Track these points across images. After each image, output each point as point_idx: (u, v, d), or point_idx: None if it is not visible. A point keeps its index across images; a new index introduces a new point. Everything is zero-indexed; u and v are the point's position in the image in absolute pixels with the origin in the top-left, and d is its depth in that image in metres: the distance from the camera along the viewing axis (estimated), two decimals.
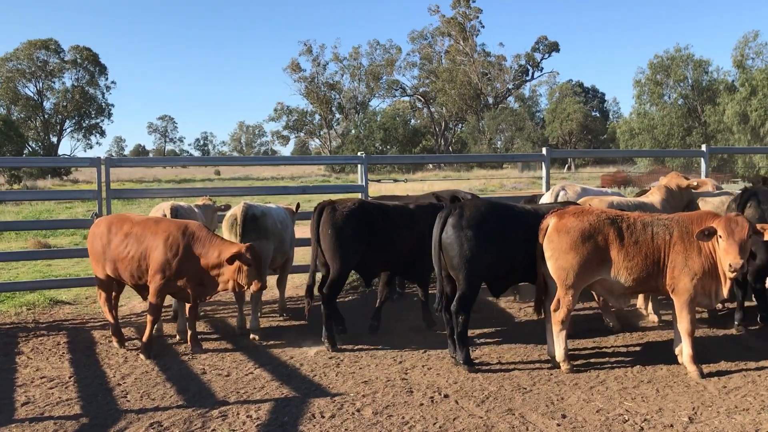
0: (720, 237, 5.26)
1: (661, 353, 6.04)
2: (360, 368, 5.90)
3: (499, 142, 66.12)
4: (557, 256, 5.54)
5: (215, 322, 7.73)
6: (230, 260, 5.89)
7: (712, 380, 5.38)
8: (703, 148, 11.06)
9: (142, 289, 6.47)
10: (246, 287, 6.07)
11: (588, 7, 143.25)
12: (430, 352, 6.31)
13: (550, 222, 5.66)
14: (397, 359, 6.14)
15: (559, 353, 5.70)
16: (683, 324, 5.52)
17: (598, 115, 77.62)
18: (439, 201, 7.70)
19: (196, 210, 7.62)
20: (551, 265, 5.60)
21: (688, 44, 39.20)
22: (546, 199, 8.08)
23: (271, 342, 6.76)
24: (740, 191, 7.38)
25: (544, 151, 10.16)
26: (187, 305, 6.43)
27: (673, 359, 5.78)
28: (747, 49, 35.49)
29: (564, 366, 5.67)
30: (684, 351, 5.60)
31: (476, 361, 5.94)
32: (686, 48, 35.68)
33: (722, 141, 32.66)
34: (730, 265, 5.16)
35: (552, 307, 5.67)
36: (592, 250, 5.48)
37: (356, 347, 6.51)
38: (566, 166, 51.40)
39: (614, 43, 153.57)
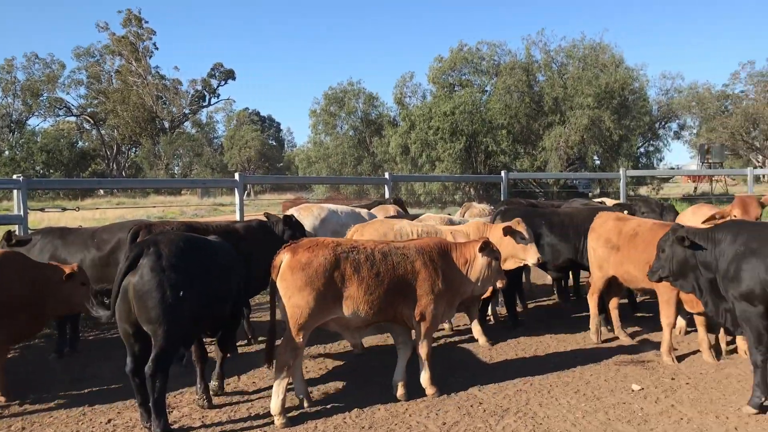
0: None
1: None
2: None
3: (176, 168, 63.36)
4: (290, 294, 5.22)
5: None
6: None
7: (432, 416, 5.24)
8: (386, 175, 12.85)
9: None
10: None
11: (264, 38, 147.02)
12: None
13: (284, 258, 5.29)
14: None
15: (275, 406, 5.20)
16: (425, 349, 5.75)
17: (274, 143, 79.21)
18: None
19: None
20: (286, 303, 5.24)
21: (360, 79, 41.44)
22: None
23: None
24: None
25: (236, 177, 10.09)
26: None
27: None
28: (405, 88, 38.80)
29: (277, 421, 5.18)
30: (423, 375, 5.80)
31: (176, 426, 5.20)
32: (358, 82, 37.61)
33: (388, 170, 34.60)
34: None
35: (280, 350, 5.26)
36: (327, 288, 5.22)
37: None
38: (245, 192, 50.67)
39: (289, 75, 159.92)
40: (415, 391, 5.82)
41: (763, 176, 47.80)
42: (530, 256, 7.06)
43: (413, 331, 5.79)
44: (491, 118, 31.37)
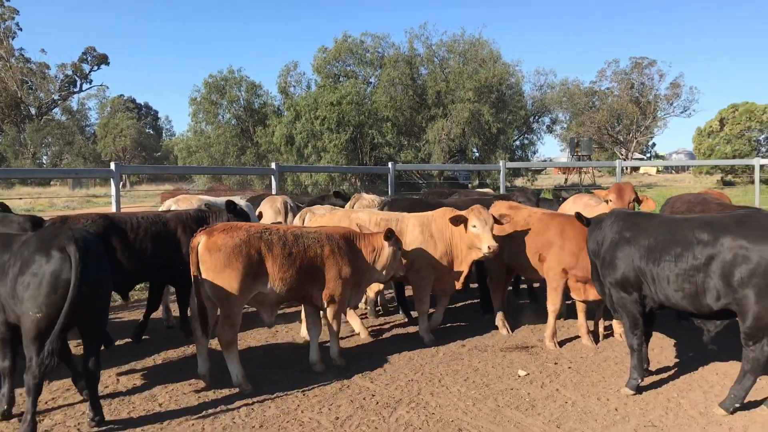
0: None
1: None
2: None
3: (45, 157, 59.36)
4: (212, 275, 5.47)
5: None
6: None
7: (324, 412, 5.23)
8: (273, 165, 12.32)
9: None
10: None
11: (141, 22, 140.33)
12: None
13: (200, 241, 5.53)
14: None
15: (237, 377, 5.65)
16: (333, 327, 6.21)
17: (152, 132, 75.93)
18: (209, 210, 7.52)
19: None
20: (208, 286, 5.51)
21: (241, 66, 40.39)
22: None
23: None
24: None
25: (112, 166, 9.53)
26: None
27: None
28: (289, 77, 38.29)
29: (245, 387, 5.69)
30: (332, 349, 6.31)
31: None
32: (239, 70, 36.64)
33: (273, 160, 34.10)
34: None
35: (220, 330, 5.60)
36: (246, 265, 5.52)
37: None
38: (121, 183, 48.27)
39: (167, 62, 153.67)
40: (307, 385, 5.73)
41: (628, 168, 51.14)
42: (482, 243, 6.72)
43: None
44: (376, 110, 31.58)
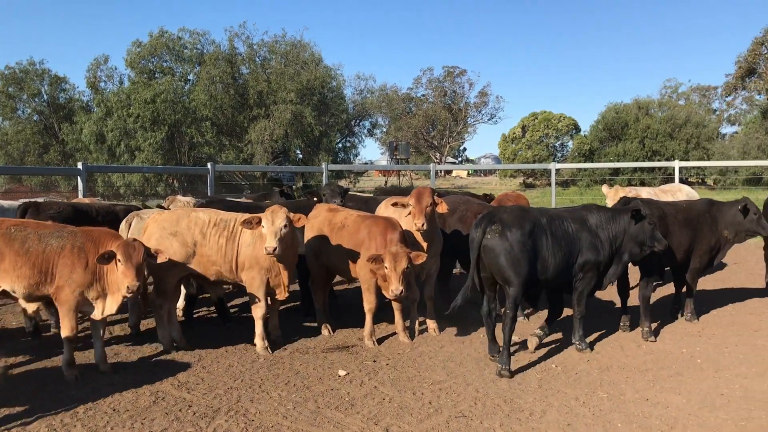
0: (119, 260, 5.74)
1: None
2: None
3: None
4: None
5: None
6: None
7: None
8: (79, 165, 11.43)
9: None
10: None
11: None
12: None
13: None
14: None
15: None
16: (66, 330, 5.88)
17: None
18: None
19: None
20: None
21: (43, 59, 37.15)
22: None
23: None
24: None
25: None
26: None
27: None
28: (99, 71, 35.94)
29: None
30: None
31: None
32: (41, 62, 33.71)
33: (80, 159, 31.91)
34: (128, 287, 5.70)
35: None
36: None
37: None
38: None
39: None
40: (118, 400, 5.40)
41: (442, 171, 53.86)
42: (264, 243, 6.50)
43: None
44: (195, 109, 30.53)
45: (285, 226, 6.52)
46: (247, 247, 6.73)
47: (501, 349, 6.32)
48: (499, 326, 6.73)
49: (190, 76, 35.07)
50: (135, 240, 6.01)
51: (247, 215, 6.80)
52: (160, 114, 28.59)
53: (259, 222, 6.58)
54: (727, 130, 54.91)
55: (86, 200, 8.99)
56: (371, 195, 12.01)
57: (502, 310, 7.10)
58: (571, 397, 5.63)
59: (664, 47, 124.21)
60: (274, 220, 6.50)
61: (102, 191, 28.19)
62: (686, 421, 5.11)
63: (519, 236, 6.21)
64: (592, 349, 7.06)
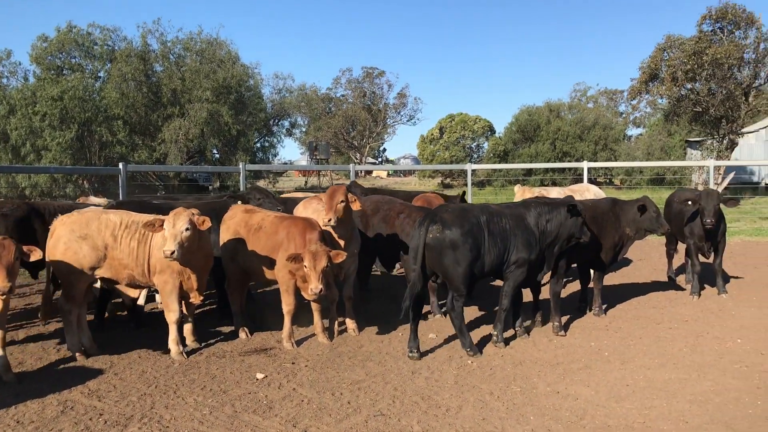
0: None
1: None
2: None
3: None
4: None
5: None
6: None
7: None
8: None
9: None
10: None
11: None
12: None
13: None
14: None
15: None
16: None
17: None
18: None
19: None
20: None
21: None
22: None
23: None
24: None
25: None
26: None
27: None
28: (1, 67, 34.09)
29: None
30: None
31: None
32: None
33: None
34: None
35: None
36: None
37: None
38: None
39: None
40: (22, 411, 5.16)
41: (362, 171, 54.03)
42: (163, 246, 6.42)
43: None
44: (106, 107, 29.40)
45: (187, 228, 6.37)
46: (158, 250, 6.56)
47: (459, 337, 6.97)
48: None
49: (101, 74, 33.72)
50: (5, 238, 5.73)
51: (150, 217, 6.63)
52: (69, 112, 27.37)
53: (162, 224, 6.44)
54: (632, 132, 57.76)
55: (99, 200, 8.57)
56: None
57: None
58: (486, 392, 5.78)
59: (574, 52, 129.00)
60: (175, 222, 6.36)
61: (5, 192, 26.76)
62: (594, 412, 5.33)
63: (459, 235, 6.58)
64: (506, 344, 7.28)
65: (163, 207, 7.83)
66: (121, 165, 14.07)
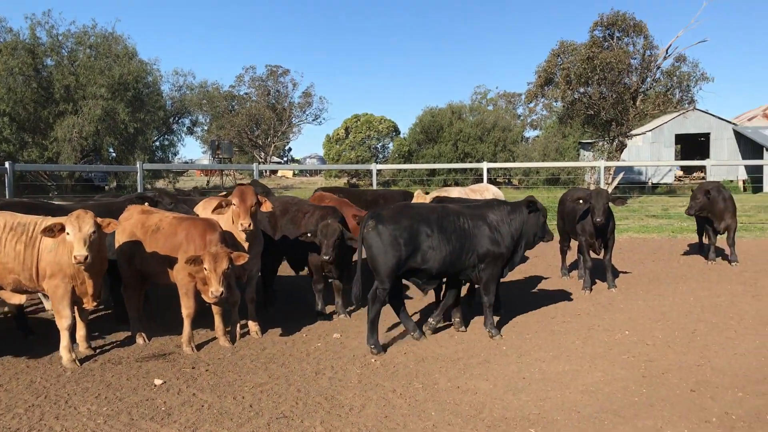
0: None
1: None
2: None
3: None
4: None
5: None
6: None
7: None
8: None
9: None
10: None
11: None
12: None
13: None
14: None
15: None
16: None
17: None
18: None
19: None
20: None
21: None
22: None
23: None
24: None
25: None
26: None
27: None
28: None
29: None
30: None
31: None
32: None
33: None
34: None
35: None
36: None
37: None
38: None
39: None
40: None
41: (267, 171, 53.40)
42: (73, 251, 6.07)
43: None
44: None
45: (94, 232, 6.13)
46: (48, 253, 6.24)
47: (367, 329, 7.02)
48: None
49: None
50: None
51: (50, 221, 6.31)
52: None
53: (62, 229, 6.13)
54: (530, 134, 59.88)
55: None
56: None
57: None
58: (389, 390, 5.85)
59: (475, 55, 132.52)
60: (81, 226, 6.08)
61: None
62: (492, 405, 5.51)
63: (390, 231, 6.78)
64: (502, 336, 7.61)
65: (53, 208, 7.46)
66: (7, 164, 13.29)
